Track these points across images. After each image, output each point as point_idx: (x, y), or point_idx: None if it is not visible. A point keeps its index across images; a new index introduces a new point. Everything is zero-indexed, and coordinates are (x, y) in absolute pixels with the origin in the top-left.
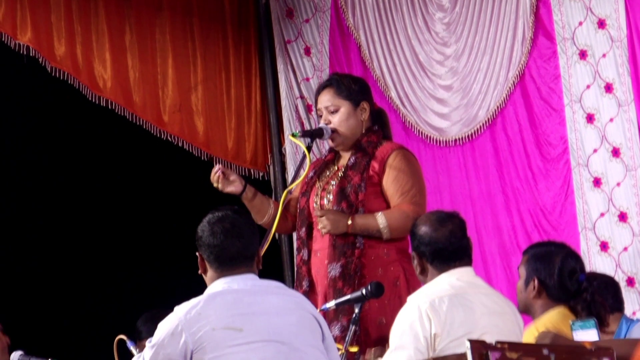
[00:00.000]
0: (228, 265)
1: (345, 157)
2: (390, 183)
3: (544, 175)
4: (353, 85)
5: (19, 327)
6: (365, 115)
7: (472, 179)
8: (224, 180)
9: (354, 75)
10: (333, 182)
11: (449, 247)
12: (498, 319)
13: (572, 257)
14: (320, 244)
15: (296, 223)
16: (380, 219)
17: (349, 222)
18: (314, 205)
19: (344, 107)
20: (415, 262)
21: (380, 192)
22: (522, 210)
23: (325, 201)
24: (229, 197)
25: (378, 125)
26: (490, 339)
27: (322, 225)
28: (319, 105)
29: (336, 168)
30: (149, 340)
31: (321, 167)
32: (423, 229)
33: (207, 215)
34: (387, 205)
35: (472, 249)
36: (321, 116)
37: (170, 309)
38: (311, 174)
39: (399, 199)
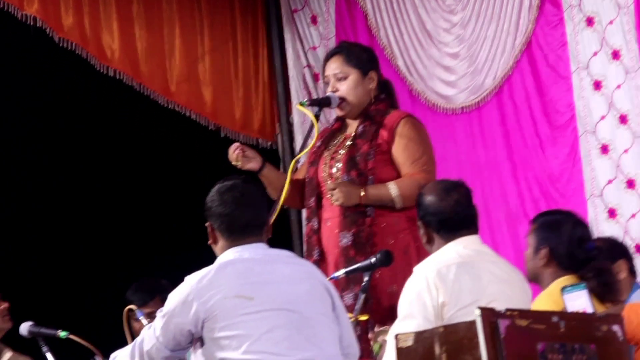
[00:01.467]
0: (239, 234)
1: (353, 126)
2: (401, 151)
3: (551, 143)
4: (362, 53)
5: (28, 298)
6: (373, 85)
7: (479, 146)
8: (242, 157)
9: (363, 44)
10: (341, 151)
11: (455, 216)
12: (506, 286)
13: (580, 225)
14: (331, 213)
15: (302, 189)
16: (393, 188)
17: (362, 192)
18: (323, 174)
19: (353, 75)
20: (422, 231)
21: (390, 160)
22: (529, 177)
23: (334, 170)
24: (237, 168)
25: (385, 95)
26: (499, 306)
27: (335, 197)
28: (327, 72)
29: (344, 136)
30: (159, 310)
31: (328, 136)
32: (429, 199)
33: (216, 185)
34: (397, 173)
35: (478, 217)
36: (328, 83)
37: (162, 278)
38: (318, 143)
39: (410, 167)
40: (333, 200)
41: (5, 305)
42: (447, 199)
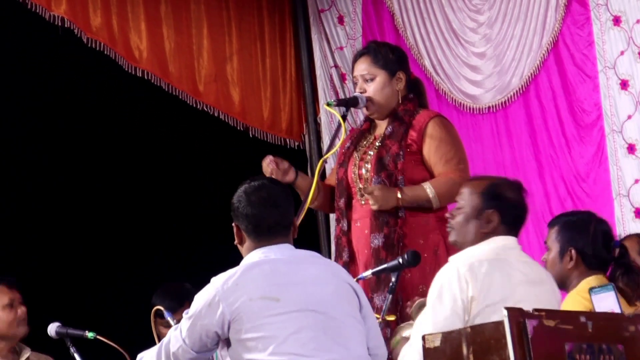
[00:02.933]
0: (266, 234)
1: (382, 126)
2: (433, 152)
3: (577, 142)
4: (390, 54)
5: (55, 300)
6: (400, 85)
7: (505, 146)
8: (277, 170)
9: (392, 44)
10: (371, 152)
11: (521, 213)
12: (536, 287)
13: (603, 224)
14: (360, 214)
15: (335, 194)
16: (429, 189)
17: (399, 195)
18: (352, 175)
19: (380, 76)
20: (488, 220)
21: (420, 160)
22: (555, 177)
23: (364, 171)
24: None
25: (414, 94)
26: (527, 306)
27: (372, 202)
28: (355, 73)
29: (373, 137)
30: (185, 311)
31: (357, 137)
32: (510, 194)
33: (242, 185)
34: (428, 174)
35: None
36: (357, 84)
37: (187, 282)
38: (348, 144)
39: (444, 167)
40: (371, 204)
41: (23, 309)
42: (522, 195)
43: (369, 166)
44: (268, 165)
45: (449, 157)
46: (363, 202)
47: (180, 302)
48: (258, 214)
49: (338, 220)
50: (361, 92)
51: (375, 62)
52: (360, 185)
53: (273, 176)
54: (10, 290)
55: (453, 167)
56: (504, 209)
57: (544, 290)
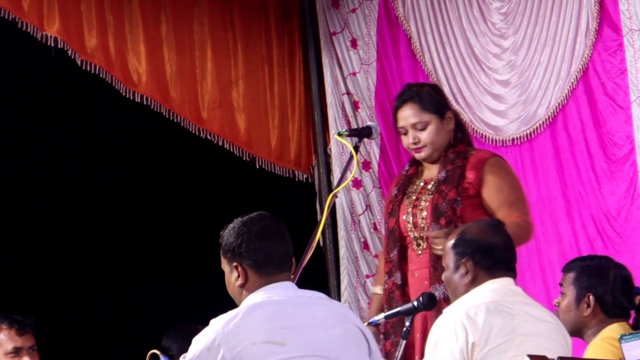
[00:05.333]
0: (272, 269)
1: (432, 170)
2: (494, 195)
3: (608, 178)
4: (435, 95)
5: (52, 341)
6: (451, 125)
7: (531, 181)
8: None
9: (428, 83)
10: (424, 199)
11: (505, 254)
12: (540, 326)
13: (622, 269)
14: (418, 264)
15: (386, 245)
16: None
17: None
18: (406, 224)
19: (433, 121)
20: (465, 270)
21: (479, 204)
22: (584, 215)
23: (419, 219)
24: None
25: (461, 133)
26: (533, 345)
27: (437, 246)
28: (402, 123)
29: (423, 182)
30: (183, 356)
31: (405, 183)
32: (481, 236)
33: (234, 222)
34: (486, 217)
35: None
36: (405, 134)
37: (200, 324)
38: (394, 192)
39: (508, 211)
40: (435, 248)
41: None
42: (499, 236)
43: (424, 214)
44: None
45: (512, 200)
46: (420, 252)
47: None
48: (266, 246)
49: (390, 274)
50: (415, 142)
51: (425, 108)
52: (416, 234)
53: None
54: (19, 337)
55: (518, 211)
56: (476, 254)
57: (549, 329)
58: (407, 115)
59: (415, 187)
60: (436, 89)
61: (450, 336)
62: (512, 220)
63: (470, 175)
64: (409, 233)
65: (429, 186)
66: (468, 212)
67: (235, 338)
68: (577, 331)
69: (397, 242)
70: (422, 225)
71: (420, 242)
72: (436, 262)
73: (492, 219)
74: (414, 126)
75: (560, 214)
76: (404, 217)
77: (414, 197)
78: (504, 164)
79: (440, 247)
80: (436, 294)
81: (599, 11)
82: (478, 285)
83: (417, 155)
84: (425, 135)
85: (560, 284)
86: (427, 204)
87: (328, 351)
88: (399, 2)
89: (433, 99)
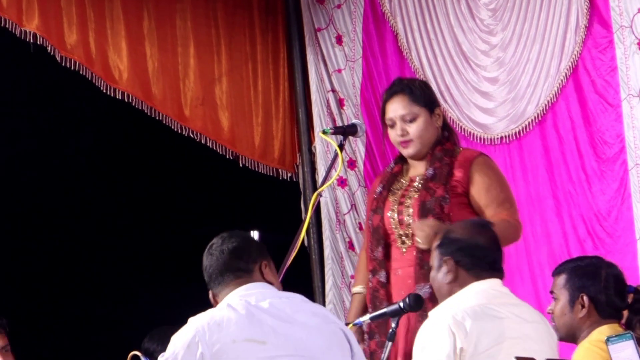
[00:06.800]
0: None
1: (417, 168)
2: (483, 194)
3: (598, 177)
4: (426, 90)
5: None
6: (440, 122)
7: (519, 181)
8: None
9: (418, 79)
10: (410, 196)
11: (489, 255)
12: (530, 328)
13: (614, 268)
14: (401, 262)
15: (370, 243)
16: None
17: None
18: (391, 222)
19: (422, 115)
20: (447, 269)
21: (466, 202)
22: (574, 215)
23: (405, 216)
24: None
25: (447, 131)
26: (523, 349)
27: (421, 237)
28: (390, 115)
29: (409, 179)
30: (161, 355)
31: (389, 180)
32: (465, 235)
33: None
34: (475, 216)
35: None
36: (392, 126)
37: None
38: (379, 188)
39: (496, 210)
40: (419, 240)
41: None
42: (483, 236)
43: (411, 211)
44: None
45: (501, 199)
46: (405, 250)
47: None
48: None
49: (374, 272)
50: (402, 134)
51: (415, 100)
52: (401, 232)
53: None
54: None
55: (506, 210)
56: (458, 253)
57: (538, 330)
58: (397, 107)
59: (400, 184)
60: (426, 85)
61: (438, 342)
62: (500, 218)
63: (458, 174)
64: (394, 230)
65: (415, 183)
66: (455, 210)
67: (215, 335)
68: (573, 335)
69: (382, 240)
70: (408, 223)
71: (405, 239)
72: (422, 260)
73: (479, 218)
74: (402, 118)
75: (549, 214)
76: (389, 214)
77: (400, 194)
78: (492, 163)
79: (424, 238)
80: (421, 293)
81: (588, 7)
82: (462, 286)
83: (405, 152)
84: (413, 128)
85: (551, 291)
86: (414, 201)
87: (309, 351)
88: None
89: (424, 93)
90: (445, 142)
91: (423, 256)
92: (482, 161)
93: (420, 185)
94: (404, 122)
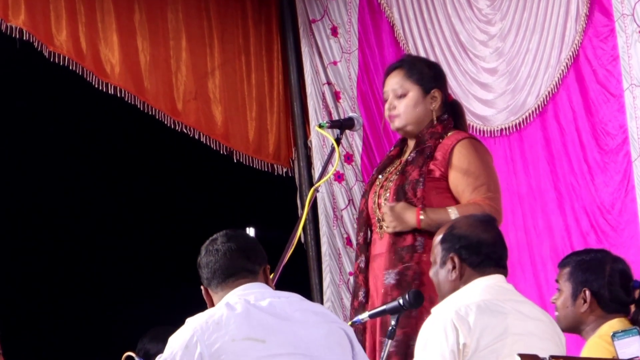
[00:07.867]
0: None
1: (410, 150)
2: (460, 178)
3: (601, 169)
4: (426, 69)
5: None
6: (435, 105)
7: (520, 173)
8: None
9: (429, 60)
10: (391, 179)
11: (495, 251)
12: (533, 325)
13: (620, 262)
14: (379, 249)
15: (357, 228)
16: (453, 213)
17: (422, 216)
18: (372, 205)
19: (413, 91)
20: (452, 266)
21: (445, 187)
22: (576, 208)
23: (383, 199)
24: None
25: (449, 116)
26: (526, 345)
27: (386, 223)
28: (386, 88)
29: (399, 162)
30: (159, 356)
31: (384, 164)
32: (469, 231)
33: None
34: (452, 202)
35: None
36: (386, 100)
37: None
38: (375, 172)
39: (472, 195)
40: (385, 226)
41: None
42: (488, 232)
43: (387, 194)
44: None
45: (478, 184)
46: (382, 236)
47: None
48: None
49: (357, 257)
50: (391, 109)
51: (409, 76)
52: (379, 216)
53: None
54: None
55: (482, 195)
56: (463, 250)
57: (541, 327)
58: (392, 81)
59: (392, 167)
60: (432, 66)
61: (440, 337)
62: (474, 202)
63: (438, 156)
64: (374, 214)
65: (400, 166)
66: (431, 195)
67: (213, 335)
68: (575, 328)
69: (364, 225)
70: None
71: (382, 224)
72: (395, 245)
73: (483, 214)
74: (394, 92)
75: (551, 207)
76: (372, 197)
77: (385, 178)
78: (476, 147)
79: (387, 223)
80: (387, 280)
81: None
82: (465, 283)
83: (392, 125)
84: (402, 104)
85: (557, 280)
86: (392, 184)
87: (310, 350)
88: None
89: (421, 71)
90: (436, 126)
91: (395, 241)
92: (465, 144)
93: (401, 169)
94: (395, 97)
